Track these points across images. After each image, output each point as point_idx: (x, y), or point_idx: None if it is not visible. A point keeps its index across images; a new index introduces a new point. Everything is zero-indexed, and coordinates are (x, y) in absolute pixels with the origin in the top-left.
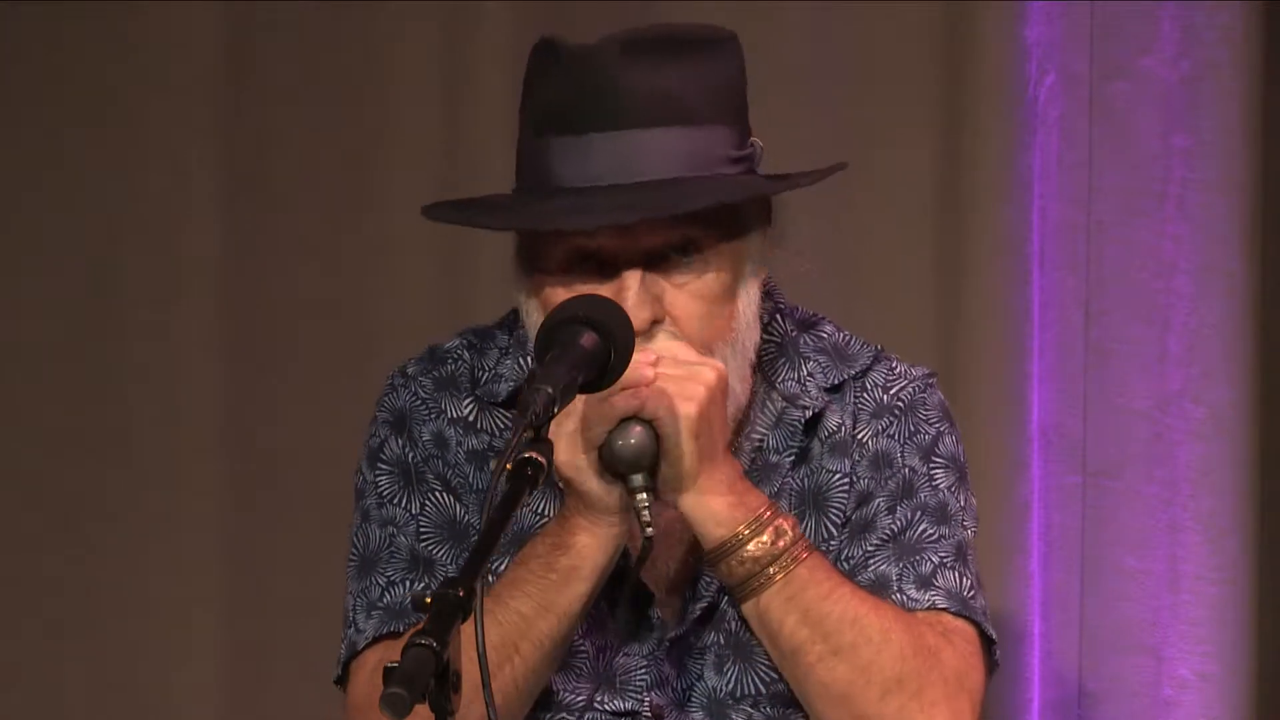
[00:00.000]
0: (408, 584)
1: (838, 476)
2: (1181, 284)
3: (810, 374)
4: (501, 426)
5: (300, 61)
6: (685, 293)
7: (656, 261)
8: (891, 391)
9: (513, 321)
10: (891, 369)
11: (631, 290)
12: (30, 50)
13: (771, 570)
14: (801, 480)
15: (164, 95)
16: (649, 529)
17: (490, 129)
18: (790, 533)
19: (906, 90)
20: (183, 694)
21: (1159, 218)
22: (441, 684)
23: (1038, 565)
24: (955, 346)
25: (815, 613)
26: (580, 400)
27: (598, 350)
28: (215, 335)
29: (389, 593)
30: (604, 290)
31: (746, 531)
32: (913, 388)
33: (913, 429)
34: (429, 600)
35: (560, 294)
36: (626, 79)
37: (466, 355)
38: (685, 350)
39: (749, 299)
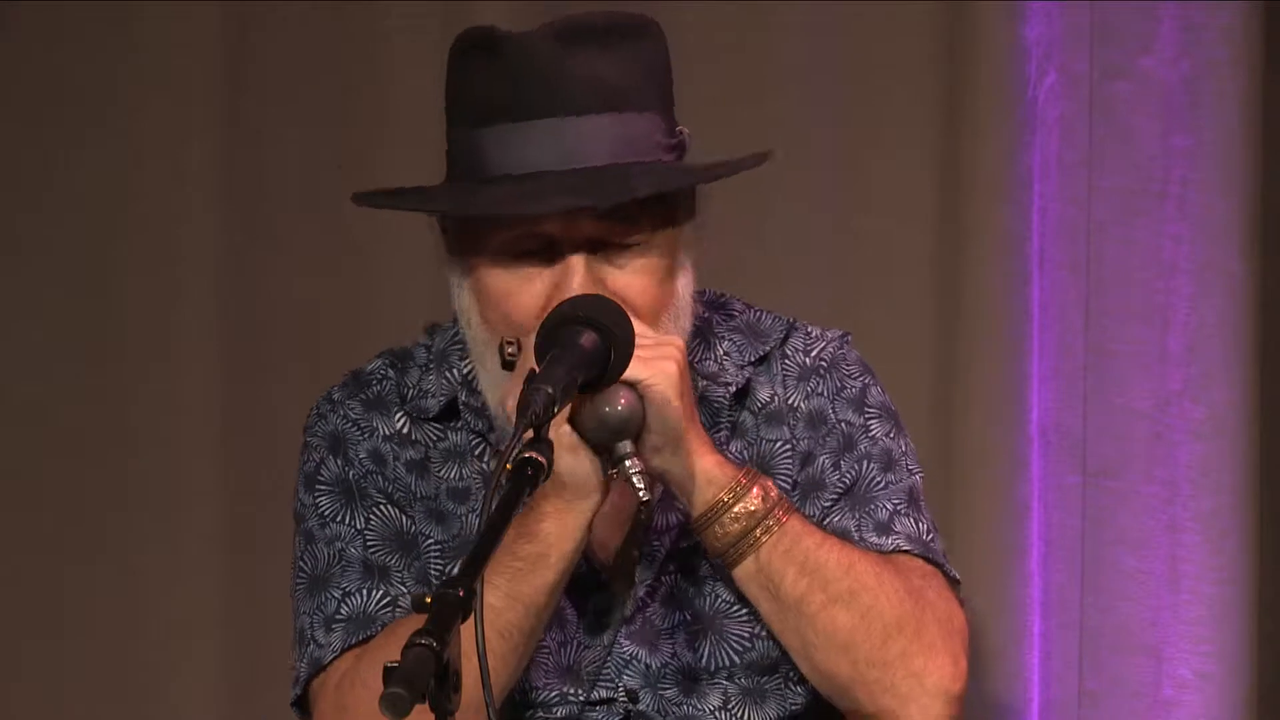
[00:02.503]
0: (364, 593)
1: (779, 444)
2: (1181, 284)
3: (726, 353)
4: (437, 438)
5: (300, 61)
6: (628, 272)
7: (598, 246)
8: (812, 354)
9: (429, 338)
10: (808, 334)
11: (578, 274)
12: (30, 50)
13: (765, 524)
14: (740, 454)
15: (164, 95)
16: (643, 494)
17: None
18: (774, 490)
19: (906, 90)
20: (183, 694)
21: (1159, 218)
22: (441, 684)
23: (1038, 565)
24: (955, 346)
25: (813, 562)
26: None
27: (598, 350)
28: (215, 335)
29: (346, 604)
30: (547, 275)
31: (738, 489)
32: (830, 348)
33: (839, 384)
34: (429, 600)
35: (503, 279)
36: (566, 66)
37: (391, 374)
38: (642, 326)
39: (686, 281)
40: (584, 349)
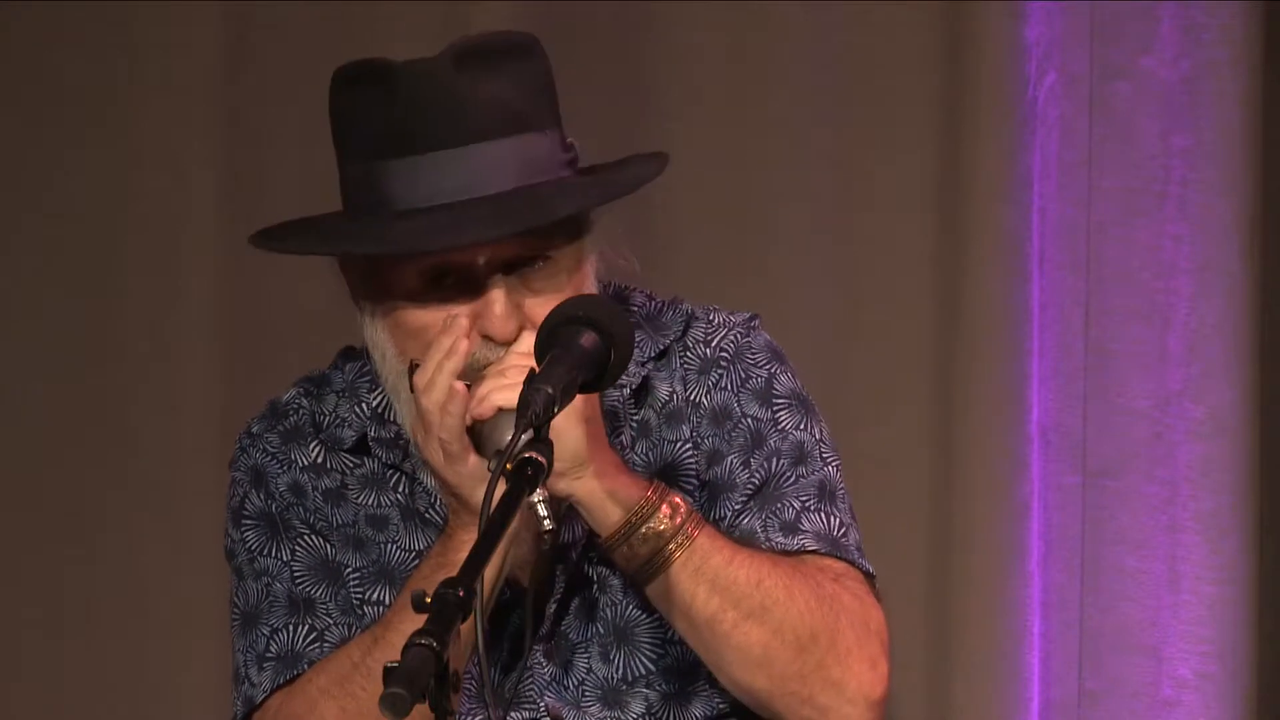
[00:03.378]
0: (290, 629)
1: (681, 444)
2: (1181, 284)
3: None
4: (353, 465)
5: (300, 61)
6: (544, 298)
7: (511, 270)
8: (713, 344)
9: (343, 363)
10: (709, 322)
11: (499, 303)
12: (30, 50)
13: (674, 545)
14: (646, 456)
15: (164, 95)
16: (547, 523)
17: None
18: (683, 506)
19: (906, 90)
20: (183, 694)
21: (1159, 218)
22: (441, 684)
23: (1038, 565)
24: (955, 346)
25: (722, 580)
26: (427, 417)
27: (598, 350)
28: (215, 335)
29: (274, 640)
30: (467, 307)
31: (644, 510)
32: (734, 335)
33: (744, 375)
34: (429, 600)
35: (418, 315)
36: (464, 93)
37: (306, 403)
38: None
39: (589, 290)
40: (584, 349)
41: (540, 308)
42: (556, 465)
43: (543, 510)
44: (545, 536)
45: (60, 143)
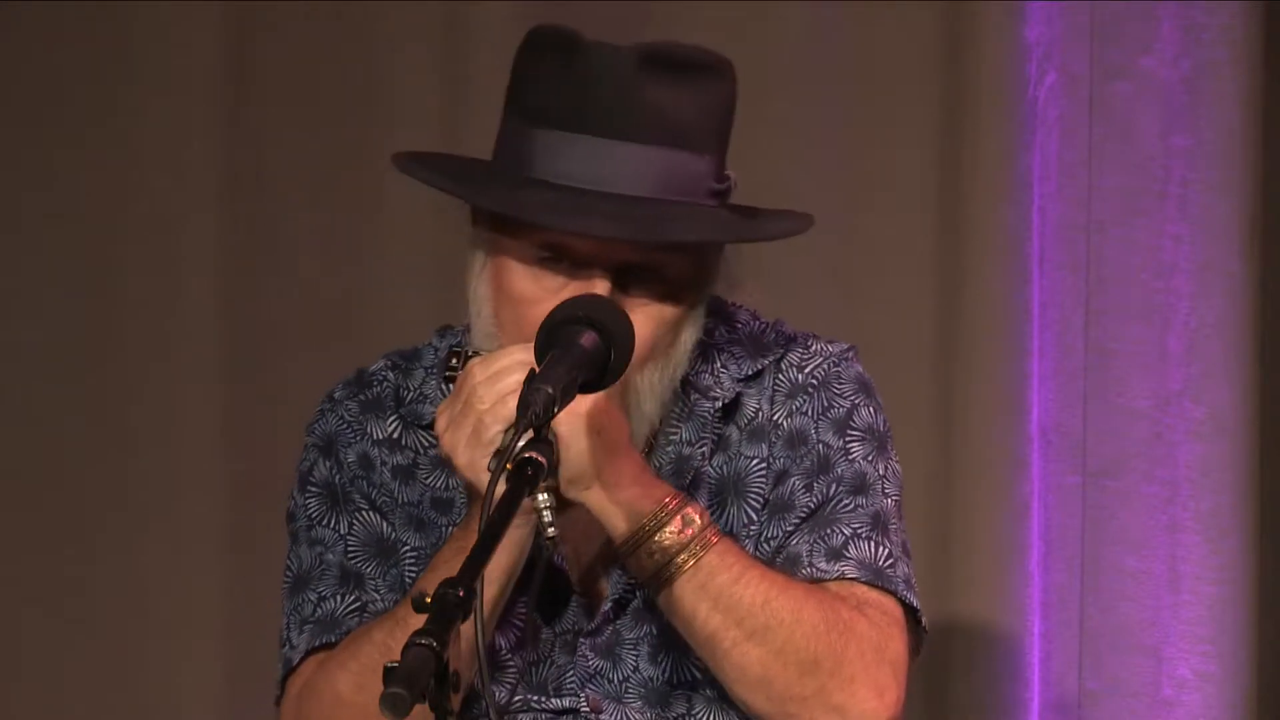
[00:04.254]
0: (339, 598)
1: (755, 461)
2: (1181, 284)
3: (724, 365)
4: (428, 444)
5: (300, 61)
6: (641, 314)
7: (622, 273)
8: (806, 370)
9: (438, 340)
10: (807, 348)
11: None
12: (30, 50)
13: (680, 559)
14: (720, 469)
15: (164, 95)
16: (550, 530)
17: (490, 129)
18: (698, 520)
19: (906, 90)
20: (183, 694)
21: (1159, 218)
22: (441, 684)
23: (1038, 565)
24: (955, 346)
25: (726, 599)
26: (475, 397)
27: (598, 350)
28: (215, 335)
29: (320, 607)
30: (568, 289)
31: (653, 523)
32: (827, 364)
33: (826, 404)
34: (429, 600)
35: (522, 283)
36: (641, 93)
37: (391, 376)
38: None
39: (693, 331)
40: (584, 349)
41: (633, 316)
42: (565, 473)
43: (547, 516)
44: (546, 544)
45: (60, 143)
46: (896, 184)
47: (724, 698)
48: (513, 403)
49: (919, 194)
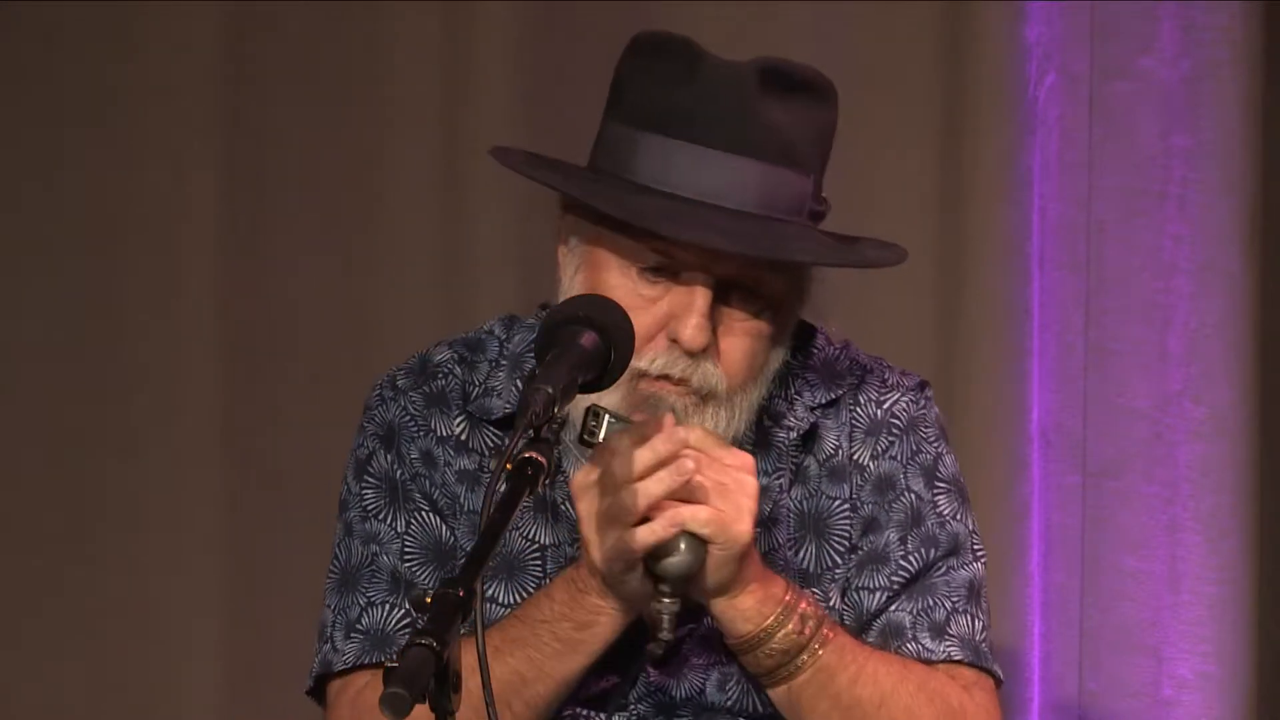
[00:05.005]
0: (387, 607)
1: (838, 503)
2: (1181, 284)
3: (798, 391)
4: (494, 443)
5: (300, 61)
6: (737, 332)
7: (722, 287)
8: (885, 406)
9: (505, 331)
10: (884, 381)
11: (701, 312)
12: (30, 50)
13: (800, 660)
14: (800, 504)
15: (164, 95)
16: (666, 635)
17: (490, 129)
18: (814, 617)
19: (907, 90)
20: (183, 694)
21: (1159, 218)
22: (441, 684)
23: (1038, 565)
24: (955, 346)
25: (846, 698)
26: (611, 500)
27: (598, 350)
28: (215, 335)
29: (368, 614)
30: (666, 301)
31: (773, 624)
32: (907, 402)
33: (914, 449)
34: (429, 600)
35: (624, 291)
36: (758, 109)
37: (458, 370)
38: (717, 445)
39: (780, 353)
40: (584, 348)
41: (728, 336)
42: (707, 583)
43: (666, 623)
44: (655, 644)
45: (60, 143)
46: (896, 184)
47: None
48: (667, 528)
49: (919, 194)
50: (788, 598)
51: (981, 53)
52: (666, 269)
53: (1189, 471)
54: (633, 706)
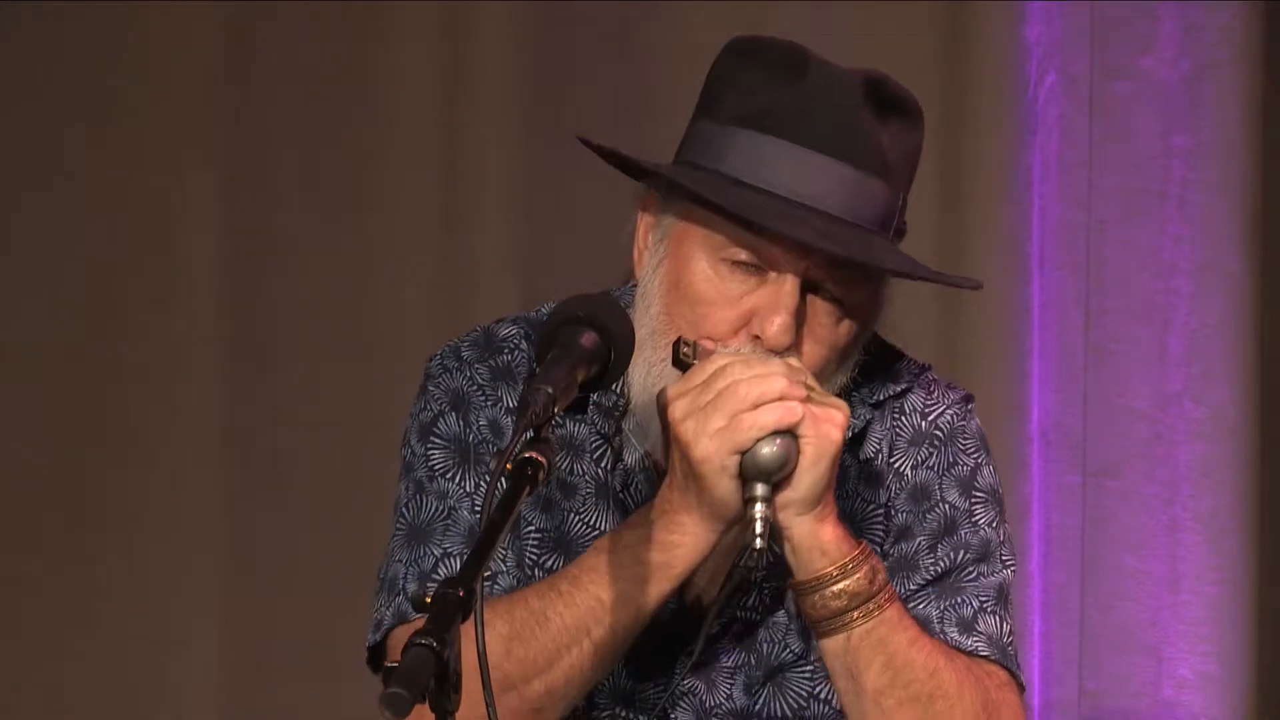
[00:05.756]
0: (463, 559)
1: (873, 507)
2: (1181, 284)
3: (855, 387)
4: (556, 423)
5: (300, 61)
6: (818, 338)
7: (808, 290)
8: (930, 418)
9: None
10: (929, 393)
11: (789, 310)
12: (30, 50)
13: (866, 608)
14: (839, 502)
15: (164, 95)
16: (760, 540)
17: (490, 129)
18: (881, 574)
19: None
20: (183, 694)
21: (1159, 218)
22: (442, 684)
23: (1038, 565)
24: (955, 346)
25: (900, 659)
26: (734, 394)
27: (598, 350)
28: (215, 335)
29: (443, 564)
30: (753, 296)
31: (849, 566)
32: (950, 414)
33: (951, 460)
34: (429, 600)
35: (702, 286)
36: (863, 119)
37: (524, 346)
38: (816, 383)
39: (849, 367)
40: (584, 348)
41: (809, 340)
42: (790, 496)
43: (759, 528)
44: (751, 554)
45: (60, 143)
46: None
47: None
48: (773, 415)
49: (919, 194)
50: (861, 549)
51: (981, 53)
52: (754, 266)
53: (1189, 471)
54: (669, 713)
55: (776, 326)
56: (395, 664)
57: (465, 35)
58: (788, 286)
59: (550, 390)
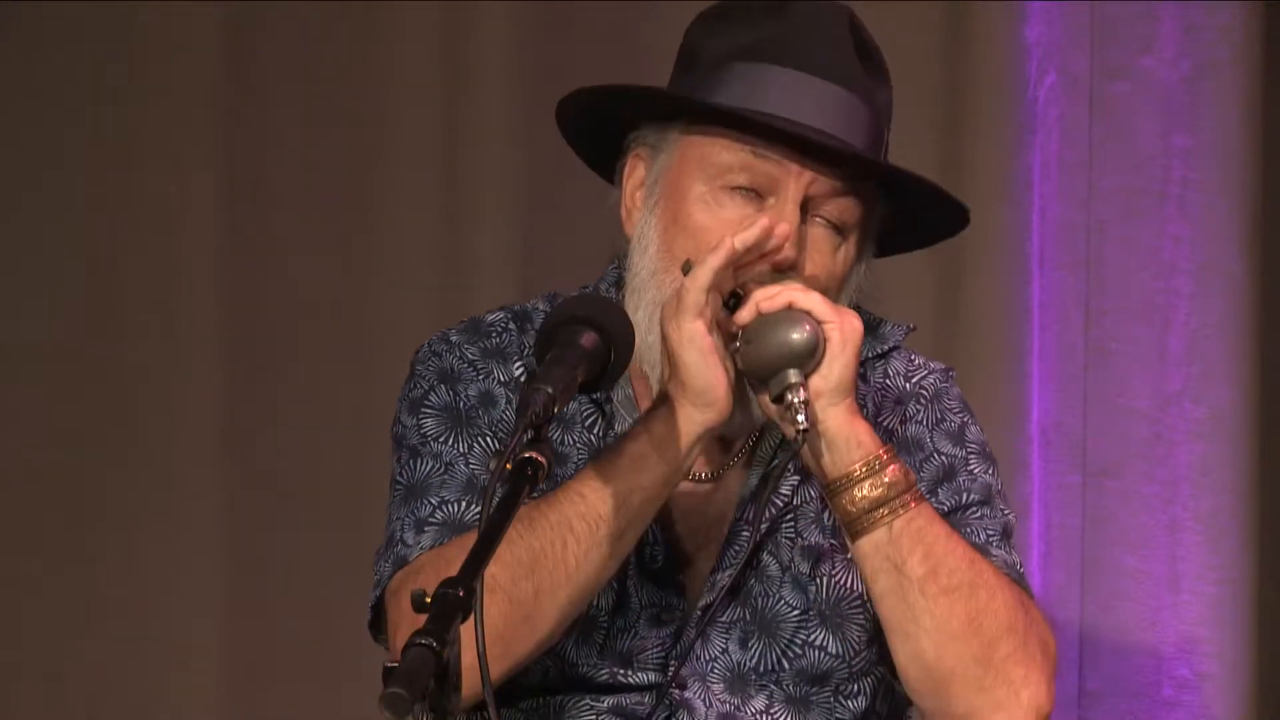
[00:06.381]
0: (459, 504)
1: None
2: (1181, 284)
3: None
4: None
5: (300, 61)
6: (817, 262)
7: (804, 210)
8: (913, 380)
9: (548, 305)
10: (911, 360)
11: (791, 224)
12: (30, 50)
13: (904, 498)
14: None
15: (164, 95)
16: (803, 423)
17: (490, 129)
18: (912, 474)
19: (906, 90)
20: (183, 694)
21: (1159, 218)
22: (441, 684)
23: (1038, 565)
24: (955, 346)
25: (941, 548)
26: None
27: (598, 350)
28: (215, 335)
29: (441, 510)
30: (748, 221)
31: (881, 461)
32: (934, 379)
33: (939, 416)
34: (429, 600)
35: (702, 216)
36: (851, 44)
37: (513, 328)
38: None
39: (847, 301)
40: (584, 348)
41: (809, 264)
42: (821, 385)
43: (802, 410)
44: (798, 436)
45: (61, 143)
46: None
47: (803, 698)
48: (789, 295)
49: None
50: (888, 447)
51: (981, 53)
52: (753, 192)
53: (1189, 471)
54: (670, 664)
55: (780, 234)
56: (395, 664)
57: (465, 35)
58: (789, 206)
59: (550, 390)
